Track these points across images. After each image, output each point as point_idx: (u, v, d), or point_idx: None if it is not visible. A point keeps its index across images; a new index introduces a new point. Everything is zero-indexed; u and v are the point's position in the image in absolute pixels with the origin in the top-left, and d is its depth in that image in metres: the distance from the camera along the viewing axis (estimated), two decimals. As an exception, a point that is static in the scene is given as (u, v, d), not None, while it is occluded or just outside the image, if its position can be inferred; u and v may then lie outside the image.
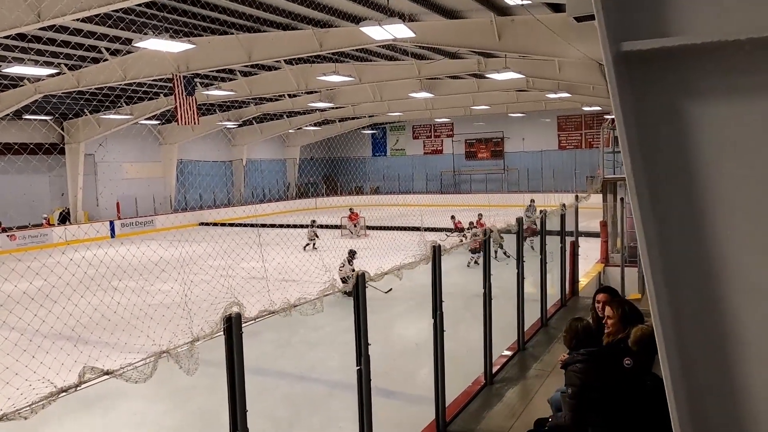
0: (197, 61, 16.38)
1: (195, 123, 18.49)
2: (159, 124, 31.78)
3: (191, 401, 7.98)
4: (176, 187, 34.65)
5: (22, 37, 13.73)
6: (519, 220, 8.50)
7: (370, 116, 37.64)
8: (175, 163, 34.24)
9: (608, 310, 4.63)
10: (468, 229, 19.47)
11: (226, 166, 38.88)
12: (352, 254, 13.64)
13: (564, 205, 10.96)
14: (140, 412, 7.85)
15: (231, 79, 22.38)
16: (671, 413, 1.60)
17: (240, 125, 34.95)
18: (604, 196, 16.45)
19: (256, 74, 22.10)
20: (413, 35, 12.51)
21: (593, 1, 1.46)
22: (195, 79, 18.61)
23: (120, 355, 4.74)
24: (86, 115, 26.92)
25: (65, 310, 7.22)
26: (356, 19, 14.16)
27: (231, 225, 30.91)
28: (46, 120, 26.49)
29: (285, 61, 18.61)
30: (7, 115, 21.11)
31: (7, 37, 13.57)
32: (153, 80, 18.81)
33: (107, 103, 25.05)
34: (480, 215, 21.01)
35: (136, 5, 11.82)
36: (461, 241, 21.65)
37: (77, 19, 11.93)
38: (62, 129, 28.33)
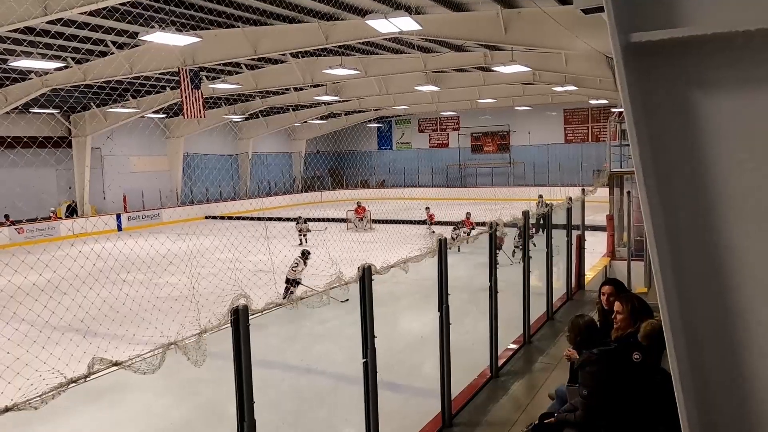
0: (203, 54, 16.39)
1: (201, 116, 18.54)
2: (165, 117, 31.83)
3: (199, 394, 8.04)
4: (183, 181, 34.74)
5: (29, 30, 13.75)
6: (525, 214, 8.49)
7: (375, 110, 37.58)
8: (182, 157, 34.32)
9: (617, 305, 4.62)
10: (454, 229, 18.99)
11: (232, 159, 38.94)
12: (305, 254, 12.78)
13: (570, 198, 10.93)
14: (148, 404, 7.91)
15: (237, 73, 22.38)
16: (679, 408, 1.60)
17: (246, 119, 34.96)
18: (611, 189, 16.38)
19: (262, 67, 22.08)
20: (419, 28, 12.47)
21: (602, -7, 1.46)
22: (201, 73, 18.64)
23: (128, 346, 4.78)
24: (93, 108, 27.00)
25: (74, 302, 7.29)
26: (362, 12, 14.12)
27: (237, 218, 30.98)
28: (53, 114, 26.58)
29: (291, 54, 18.59)
30: (15, 108, 21.19)
31: (15, 31, 13.62)
32: (159, 74, 18.81)
33: (114, 97, 25.10)
34: (468, 214, 20.54)
35: (143, -2, 11.83)
36: (432, 232, 21.89)
37: (84, 13, 11.95)
38: (69, 122, 28.43)
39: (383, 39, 16.15)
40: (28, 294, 6.51)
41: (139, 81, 21.68)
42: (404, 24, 12.09)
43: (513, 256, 14.52)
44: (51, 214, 26.83)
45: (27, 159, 24.64)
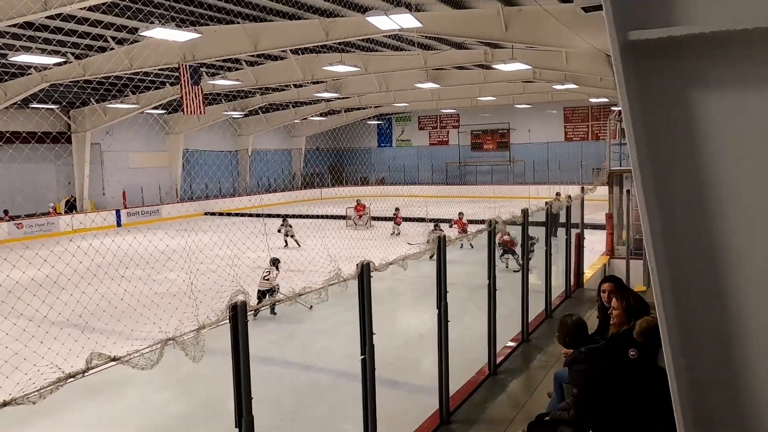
0: (203, 50, 16.37)
1: (201, 112, 18.50)
2: (165, 113, 31.81)
3: (197, 389, 8.05)
4: (182, 177, 34.73)
5: (29, 25, 13.74)
6: (524, 212, 8.49)
7: (375, 107, 37.56)
8: (181, 153, 34.30)
9: (614, 302, 4.64)
10: (433, 230, 17.87)
11: (232, 155, 38.93)
12: (275, 262, 11.96)
13: (570, 196, 10.93)
14: (146, 400, 7.92)
15: (237, 69, 22.35)
16: (674, 404, 1.60)
17: (246, 115, 34.95)
18: (610, 188, 16.39)
19: (262, 64, 22.06)
20: (419, 25, 12.46)
21: (601, -9, 1.46)
22: (201, 69, 18.62)
23: (127, 342, 4.79)
24: (93, 104, 26.98)
25: (73, 298, 7.29)
26: (362, 9, 14.11)
27: (236, 215, 30.98)
28: (52, 109, 26.56)
29: (291, 50, 18.56)
30: (15, 103, 21.16)
31: (14, 26, 13.58)
32: (159, 69, 18.79)
33: (113, 92, 25.07)
34: (460, 214, 19.84)
35: (143, -6, 11.81)
36: (397, 234, 21.86)
37: (84, 8, 11.94)
38: (69, 118, 28.40)
39: (383, 36, 16.13)
40: (26, 289, 6.52)
41: (138, 76, 21.63)
42: (404, 21, 12.09)
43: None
44: (50, 210, 26.82)
45: (26, 154, 24.65)
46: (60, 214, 26.89)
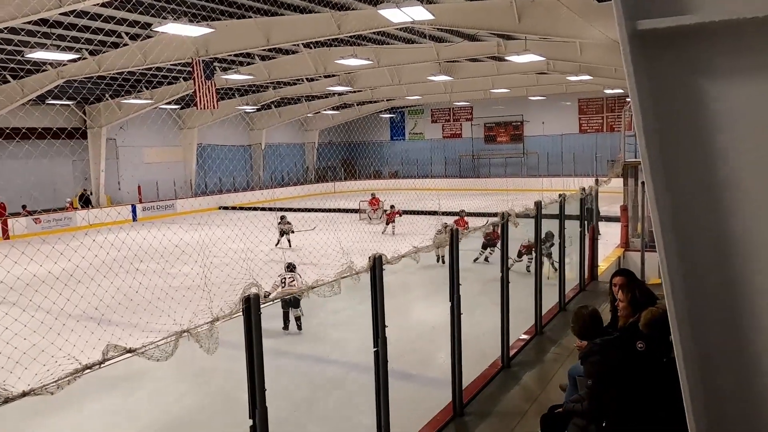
0: (216, 45, 16.43)
1: (214, 107, 18.60)
2: (179, 108, 31.99)
3: (211, 382, 8.14)
4: (196, 171, 34.95)
5: (44, 22, 13.88)
6: (537, 204, 8.45)
7: (388, 100, 37.49)
8: (195, 147, 34.50)
9: (620, 294, 4.64)
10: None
11: (245, 150, 39.09)
12: (291, 267, 10.74)
13: (584, 189, 10.86)
14: (162, 392, 8.02)
15: (249, 63, 22.41)
16: (684, 396, 1.60)
17: (259, 109, 35.05)
18: (625, 180, 16.24)
19: (275, 58, 22.10)
20: (432, 17, 12.40)
21: (610, -20, 1.45)
22: (214, 63, 18.68)
23: (142, 334, 4.85)
24: (107, 99, 27.21)
25: (89, 291, 7.39)
26: (374, 2, 14.07)
27: (250, 209, 31.14)
28: (68, 104, 26.83)
29: (303, 44, 18.58)
30: (31, 99, 21.42)
31: (30, 23, 13.73)
32: (172, 64, 18.90)
33: (128, 88, 25.27)
34: (462, 212, 18.09)
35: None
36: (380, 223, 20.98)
37: (97, 4, 12.03)
38: (84, 113, 28.68)
39: (395, 29, 16.09)
40: (44, 282, 6.62)
41: (152, 72, 21.79)
42: (416, 13, 12.04)
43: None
44: (67, 205, 27.15)
45: (42, 150, 24.93)
46: (76, 208, 27.22)
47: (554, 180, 31.24)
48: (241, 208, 31.76)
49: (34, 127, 23.74)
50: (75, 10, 12.07)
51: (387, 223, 21.52)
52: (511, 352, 7.41)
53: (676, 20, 1.40)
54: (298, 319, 10.18)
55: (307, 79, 26.35)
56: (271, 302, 4.10)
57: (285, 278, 10.30)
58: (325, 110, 38.18)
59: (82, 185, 29.24)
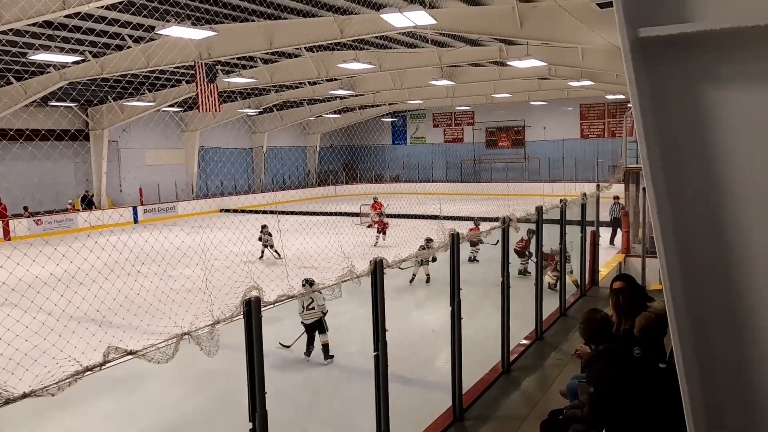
0: (219, 48, 16.48)
1: (216, 110, 18.63)
2: (181, 111, 32.06)
3: (212, 384, 8.13)
4: (198, 174, 34.99)
5: (48, 24, 13.92)
6: (539, 209, 8.46)
7: (390, 104, 37.53)
8: (197, 150, 34.55)
9: (610, 306, 4.69)
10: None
11: (247, 153, 39.14)
12: (310, 283, 8.85)
13: (585, 194, 10.86)
14: (163, 394, 8.02)
15: (252, 67, 22.46)
16: (684, 401, 1.60)
17: (261, 113, 35.11)
18: (626, 185, 16.26)
19: (277, 62, 22.14)
20: (434, 22, 12.43)
21: (612, -13, 1.46)
22: (216, 67, 18.74)
23: (143, 336, 4.86)
24: (110, 102, 27.27)
25: (91, 293, 7.39)
26: (377, 6, 14.10)
27: (251, 212, 31.17)
28: (71, 106, 26.91)
29: (306, 48, 18.62)
30: (34, 101, 21.47)
31: (34, 25, 13.78)
32: (175, 67, 18.97)
33: (130, 90, 25.33)
34: (478, 219, 16.77)
35: (159, -8, 11.92)
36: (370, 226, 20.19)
37: (101, 7, 12.07)
38: (87, 116, 28.75)
39: (398, 33, 16.12)
40: (45, 284, 6.62)
41: (154, 74, 21.84)
42: (419, 18, 12.06)
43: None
44: (69, 206, 27.19)
45: (45, 151, 25.00)
46: (78, 210, 27.25)
47: (555, 185, 31.21)
48: (243, 211, 31.76)
49: (37, 128, 23.82)
50: (79, 13, 12.12)
51: (379, 232, 20.10)
52: (512, 357, 7.40)
53: (677, 28, 1.41)
54: (325, 346, 8.96)
55: (309, 82, 26.40)
56: (272, 305, 4.10)
57: (304, 304, 9.04)
58: (327, 114, 38.23)
59: (84, 187, 29.29)
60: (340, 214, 27.53)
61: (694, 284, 1.55)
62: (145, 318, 8.37)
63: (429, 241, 11.53)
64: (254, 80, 22.67)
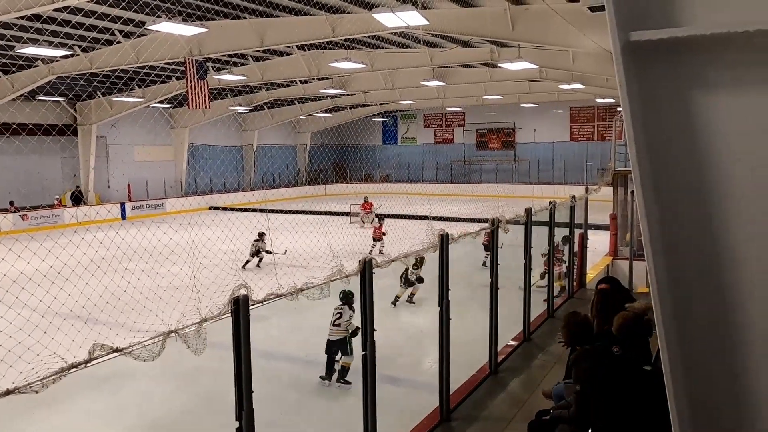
0: (209, 44, 16.40)
1: (206, 107, 18.54)
2: (171, 107, 31.87)
3: (199, 383, 8.09)
4: (187, 171, 34.79)
5: (36, 17, 13.78)
6: (528, 211, 8.49)
7: (381, 104, 37.54)
8: (186, 147, 34.35)
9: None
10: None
11: (237, 150, 38.97)
12: (349, 299, 8.25)
13: (574, 197, 10.93)
14: (148, 392, 7.97)
15: (243, 64, 22.37)
16: (670, 404, 1.61)
17: (251, 110, 34.98)
18: (615, 189, 16.35)
19: (268, 59, 22.07)
20: (426, 23, 12.44)
21: (603, -10, 1.46)
22: (207, 63, 18.64)
23: (129, 333, 4.82)
24: (99, 97, 27.06)
25: (77, 289, 7.33)
26: (369, 6, 14.09)
27: (241, 210, 31.05)
28: (59, 101, 26.64)
29: (297, 46, 18.58)
30: (22, 95, 21.25)
31: (22, 18, 13.63)
32: (165, 63, 18.83)
33: (120, 86, 25.13)
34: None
35: (150, -12, 11.84)
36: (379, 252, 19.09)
37: (91, 1, 11.97)
38: (75, 110, 28.49)
39: (390, 33, 16.12)
40: (30, 280, 6.56)
41: (144, 70, 21.68)
42: (411, 18, 12.07)
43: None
44: (55, 202, 26.93)
45: (32, 146, 24.72)
46: (65, 206, 26.99)
47: (545, 187, 31.37)
48: (232, 209, 31.64)
49: (24, 123, 23.57)
50: (68, 7, 12.00)
51: (375, 240, 18.50)
52: (499, 358, 7.43)
53: (668, 32, 1.42)
54: (344, 369, 7.99)
55: (300, 81, 26.35)
56: (260, 303, 4.08)
57: (332, 318, 8.25)
58: (317, 112, 38.17)
59: (73, 183, 29.03)
60: (330, 213, 27.49)
61: (681, 287, 1.56)
62: (132, 315, 8.30)
63: (418, 259, 10.27)
64: (245, 78, 22.58)
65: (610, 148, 18.57)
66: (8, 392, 2.81)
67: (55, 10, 12.26)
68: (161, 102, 27.89)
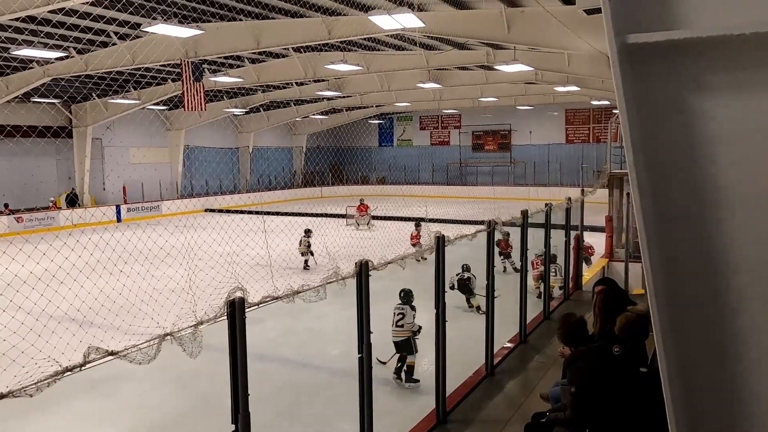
0: (205, 46, 16.37)
1: (202, 109, 18.51)
2: (166, 109, 31.79)
3: (194, 386, 8.06)
4: (182, 173, 34.71)
5: (31, 19, 13.73)
6: (524, 213, 8.50)
7: (377, 106, 37.56)
8: (182, 149, 34.28)
9: (597, 301, 4.79)
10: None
11: (233, 152, 38.91)
12: (408, 298, 8.39)
13: (569, 199, 10.94)
14: (143, 395, 7.93)
15: (239, 66, 22.35)
16: (667, 406, 1.61)
17: (247, 112, 34.94)
18: (611, 191, 16.38)
19: (264, 61, 22.05)
20: (422, 25, 12.45)
21: (600, -7, 1.46)
22: (203, 65, 18.61)
23: (125, 336, 4.80)
24: (94, 99, 26.97)
25: (72, 292, 7.30)
26: (365, 8, 14.10)
27: (236, 212, 30.98)
28: (54, 103, 26.55)
29: (293, 48, 18.57)
30: (16, 97, 21.17)
31: (17, 20, 13.59)
32: (161, 65, 18.80)
33: (115, 88, 25.08)
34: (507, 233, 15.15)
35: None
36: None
37: (86, 3, 11.93)
38: (70, 112, 28.40)
39: (386, 35, 16.13)
40: (25, 282, 6.52)
41: (140, 72, 21.65)
42: (407, 21, 12.08)
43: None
44: (50, 204, 26.82)
45: (27, 148, 24.61)
46: (60, 208, 26.88)
47: (540, 189, 31.43)
48: (228, 211, 31.57)
49: (19, 124, 23.47)
50: (64, 9, 11.96)
51: (413, 246, 16.74)
52: (495, 360, 7.42)
53: (665, 35, 1.42)
54: (410, 368, 7.93)
55: (296, 83, 26.34)
56: (256, 306, 4.07)
57: (394, 319, 8.11)
58: (313, 115, 38.16)
59: (68, 185, 28.93)
60: (326, 215, 27.44)
61: (678, 289, 1.56)
62: (127, 318, 8.28)
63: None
64: (241, 80, 22.56)
65: (606, 150, 18.62)
66: (2, 396, 2.79)
67: (51, 11, 12.22)
68: (157, 104, 27.84)
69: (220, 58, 19.63)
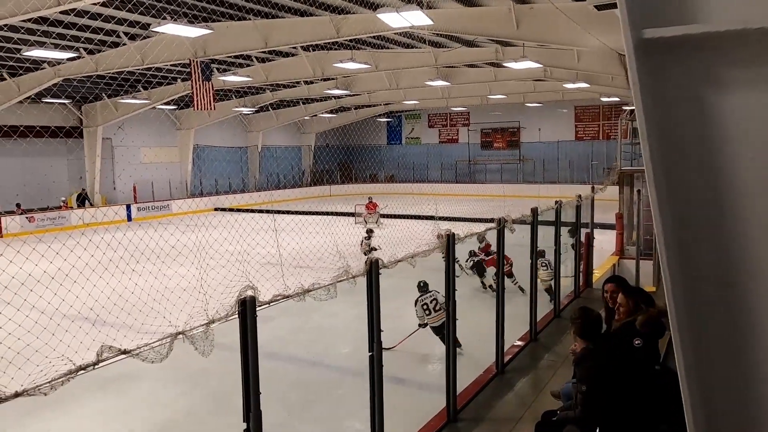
0: (214, 46, 16.43)
1: (211, 108, 18.58)
2: (176, 109, 31.95)
3: (205, 384, 8.10)
4: (192, 172, 34.87)
5: (43, 20, 13.84)
6: (534, 210, 8.47)
7: (385, 104, 37.53)
8: (192, 148, 34.44)
9: (621, 298, 4.77)
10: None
11: (242, 151, 39.05)
12: (427, 285, 8.83)
13: (580, 196, 10.89)
14: (155, 394, 7.98)
15: (248, 65, 22.41)
16: (685, 406, 1.60)
17: (256, 111, 35.04)
18: (621, 188, 16.30)
19: (273, 60, 22.10)
20: (431, 23, 12.41)
21: (615, -13, 1.45)
22: (212, 65, 18.68)
23: (137, 335, 4.82)
24: (104, 99, 27.15)
25: (84, 291, 7.34)
26: (374, 6, 14.08)
27: (246, 211, 31.09)
28: (65, 103, 26.76)
29: (302, 47, 18.59)
30: (28, 97, 21.34)
31: (28, 21, 13.70)
32: (170, 65, 18.88)
33: (125, 88, 25.23)
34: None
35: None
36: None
37: (97, 3, 12.01)
38: (81, 112, 28.60)
39: (394, 33, 16.11)
40: (38, 281, 6.57)
41: (150, 72, 21.76)
42: (415, 18, 12.05)
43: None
44: (62, 204, 27.04)
45: (39, 148, 24.85)
46: (71, 208, 27.10)
47: (550, 187, 31.31)
48: (237, 210, 31.68)
49: (31, 125, 23.68)
50: (74, 9, 12.04)
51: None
52: (506, 359, 7.40)
53: (682, 29, 1.40)
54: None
55: (305, 81, 26.37)
56: (267, 305, 4.07)
57: (429, 306, 8.40)
58: (322, 113, 38.21)
59: (79, 185, 29.15)
60: (335, 213, 27.48)
61: (696, 289, 1.54)
62: (139, 317, 8.32)
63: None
64: (250, 79, 22.61)
65: (616, 147, 18.51)
66: (17, 394, 2.81)
67: (61, 12, 12.31)
68: (166, 104, 27.98)
69: (229, 57, 19.69)
